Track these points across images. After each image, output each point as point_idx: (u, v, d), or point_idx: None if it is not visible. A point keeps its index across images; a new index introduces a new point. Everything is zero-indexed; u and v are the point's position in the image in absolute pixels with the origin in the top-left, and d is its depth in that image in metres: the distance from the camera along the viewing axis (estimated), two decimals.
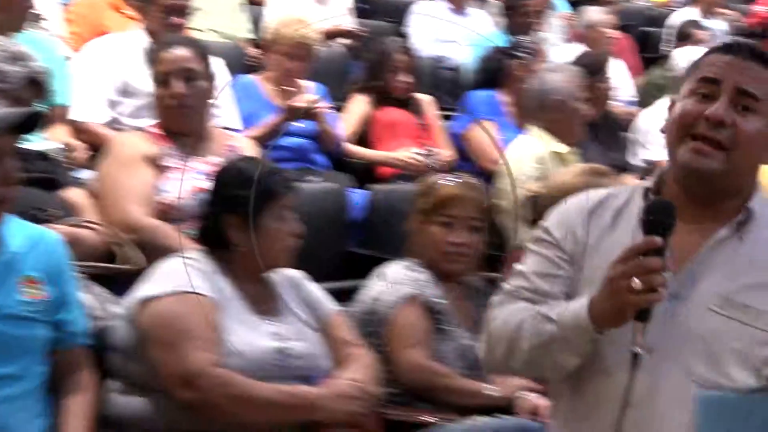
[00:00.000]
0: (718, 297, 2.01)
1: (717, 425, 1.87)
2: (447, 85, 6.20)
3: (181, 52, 3.70)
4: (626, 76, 7.00)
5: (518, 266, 2.21)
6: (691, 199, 2.05)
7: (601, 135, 5.46)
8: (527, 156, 4.59)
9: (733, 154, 2.02)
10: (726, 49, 2.11)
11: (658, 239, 1.91)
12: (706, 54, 2.13)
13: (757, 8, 8.64)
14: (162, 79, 3.69)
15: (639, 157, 5.74)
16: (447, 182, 3.44)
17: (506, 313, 2.13)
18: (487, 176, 4.85)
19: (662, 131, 2.18)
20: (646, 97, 6.51)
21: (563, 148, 4.66)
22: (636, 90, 6.93)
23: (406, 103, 5.35)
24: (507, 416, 3.07)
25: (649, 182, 2.15)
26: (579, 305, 2.00)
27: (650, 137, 5.71)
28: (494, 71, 5.58)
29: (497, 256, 3.82)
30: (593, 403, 2.07)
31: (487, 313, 2.19)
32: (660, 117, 5.64)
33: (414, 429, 3.07)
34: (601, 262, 2.03)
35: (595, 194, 2.19)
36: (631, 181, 5.20)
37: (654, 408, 2.00)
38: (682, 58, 5.80)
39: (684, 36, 6.94)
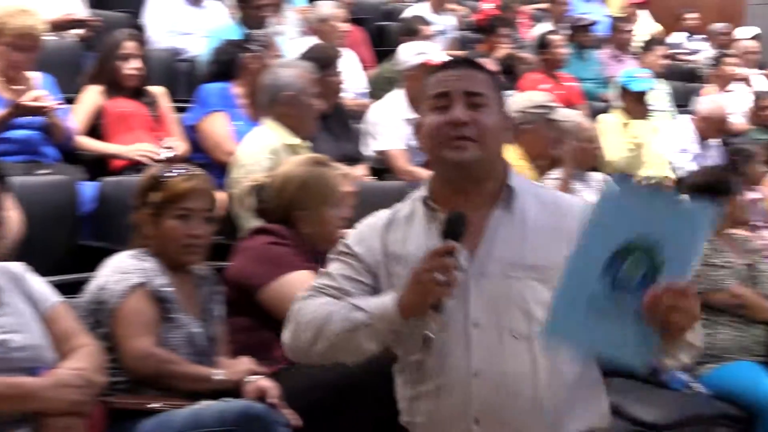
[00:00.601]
0: (512, 265, 2.39)
1: (618, 207, 2.16)
2: (182, 77, 6.20)
3: None
4: (358, 68, 7.15)
5: (325, 269, 2.52)
6: (459, 193, 2.43)
7: (333, 126, 5.55)
8: (261, 148, 4.68)
9: (481, 143, 2.39)
10: (444, 66, 2.51)
11: (453, 243, 2.28)
12: (431, 75, 2.51)
13: (484, 5, 9.07)
14: None
15: (370, 147, 5.86)
16: (176, 175, 3.41)
17: (315, 304, 2.43)
18: (220, 167, 4.93)
19: (419, 149, 2.58)
20: (377, 90, 6.65)
21: (297, 141, 4.77)
22: (368, 82, 7.08)
23: (139, 95, 5.31)
24: (234, 399, 3.16)
25: (423, 191, 2.50)
26: (387, 297, 2.34)
27: (380, 128, 5.87)
28: (228, 64, 5.61)
29: (225, 244, 3.92)
30: (438, 386, 2.40)
31: (294, 305, 2.47)
32: (390, 108, 5.90)
33: (141, 416, 3.09)
34: (402, 268, 2.41)
35: (383, 213, 2.55)
36: (359, 170, 5.40)
37: (496, 370, 2.35)
38: (407, 52, 6.00)
39: (411, 31, 7.15)
